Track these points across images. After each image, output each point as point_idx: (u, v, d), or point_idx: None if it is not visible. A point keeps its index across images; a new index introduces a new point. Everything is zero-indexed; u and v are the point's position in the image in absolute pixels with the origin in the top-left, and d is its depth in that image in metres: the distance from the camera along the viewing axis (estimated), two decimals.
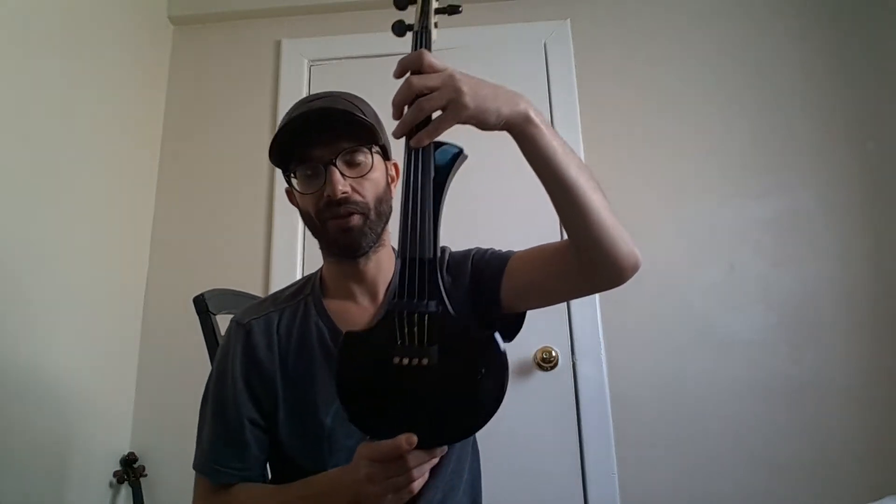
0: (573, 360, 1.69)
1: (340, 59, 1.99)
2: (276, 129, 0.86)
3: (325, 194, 0.82)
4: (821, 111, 1.82)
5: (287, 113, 0.90)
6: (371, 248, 0.87)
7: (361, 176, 0.84)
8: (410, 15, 0.79)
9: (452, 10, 0.79)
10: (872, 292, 1.68)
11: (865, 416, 1.61)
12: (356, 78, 1.92)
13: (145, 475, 1.65)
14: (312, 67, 2.00)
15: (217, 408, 0.88)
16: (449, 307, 0.66)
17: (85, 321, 1.56)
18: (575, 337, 1.70)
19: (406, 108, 0.67)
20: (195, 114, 2.01)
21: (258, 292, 1.70)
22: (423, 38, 0.74)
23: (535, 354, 1.67)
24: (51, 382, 1.43)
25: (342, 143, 0.84)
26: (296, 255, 1.82)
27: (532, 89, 1.90)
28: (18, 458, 1.31)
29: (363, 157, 0.85)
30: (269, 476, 0.97)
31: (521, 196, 1.80)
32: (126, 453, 1.66)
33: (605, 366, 1.68)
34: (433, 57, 0.67)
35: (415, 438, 0.63)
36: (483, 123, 0.68)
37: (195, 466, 0.87)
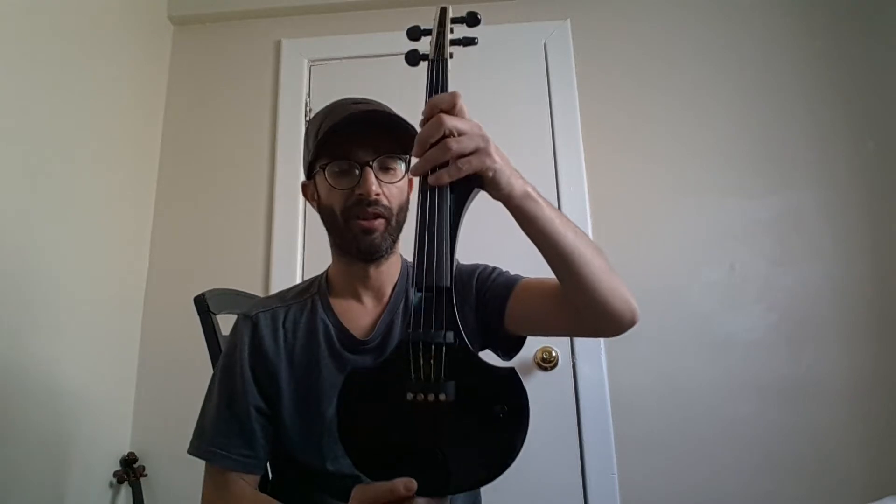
0: (573, 360, 1.69)
1: (340, 59, 1.99)
2: (319, 126, 0.87)
3: (357, 192, 0.84)
4: (821, 111, 1.82)
5: (327, 113, 0.89)
6: (387, 252, 0.88)
7: (393, 182, 0.87)
8: (423, 44, 0.79)
9: (468, 41, 0.78)
10: (872, 292, 1.68)
11: (865, 415, 1.61)
12: (356, 78, 1.93)
13: (145, 475, 1.65)
14: (312, 67, 2.00)
15: (224, 397, 0.89)
16: (466, 339, 0.63)
17: (85, 321, 1.56)
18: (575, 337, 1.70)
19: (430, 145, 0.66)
20: (195, 114, 2.00)
21: (258, 292, 1.70)
22: (440, 69, 0.73)
23: (535, 354, 1.67)
24: (51, 382, 1.43)
25: (382, 147, 0.85)
26: (296, 255, 1.82)
27: (532, 89, 1.90)
28: (18, 458, 1.31)
29: (396, 166, 0.88)
30: (270, 476, 0.97)
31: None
32: (126, 453, 1.66)
33: (605, 366, 1.68)
34: (463, 104, 0.68)
35: (414, 484, 0.59)
36: (495, 183, 0.67)
37: (198, 452, 0.87)
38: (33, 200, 1.40)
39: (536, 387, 1.67)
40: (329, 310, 0.92)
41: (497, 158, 0.66)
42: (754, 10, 1.93)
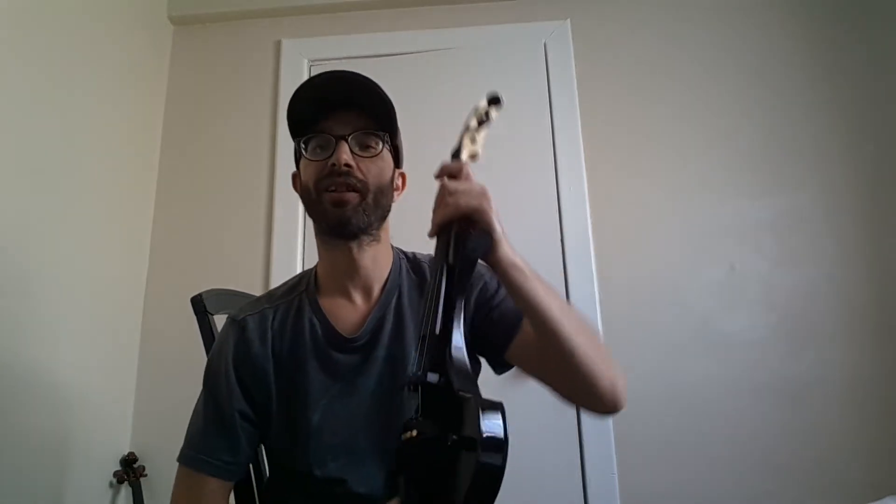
0: None
1: (340, 59, 1.99)
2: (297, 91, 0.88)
3: (330, 163, 0.84)
4: (821, 112, 1.82)
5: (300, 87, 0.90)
6: (362, 230, 0.86)
7: (369, 157, 0.86)
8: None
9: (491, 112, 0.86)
10: (872, 292, 1.68)
11: (865, 415, 1.61)
12: None
13: (145, 475, 1.65)
14: (312, 67, 2.00)
15: (209, 401, 0.88)
16: (454, 380, 0.63)
17: (85, 321, 1.56)
18: None
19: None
20: (195, 114, 2.00)
21: (258, 292, 1.68)
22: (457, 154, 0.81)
23: None
24: (51, 382, 1.43)
25: (359, 123, 0.86)
26: (296, 255, 1.82)
27: (532, 89, 1.90)
28: (18, 458, 1.31)
29: (375, 143, 0.87)
30: (265, 480, 0.97)
31: (521, 190, 1.80)
32: (126, 453, 1.66)
33: None
34: (470, 171, 0.76)
35: None
36: (485, 223, 0.72)
37: (184, 460, 0.86)
38: (33, 200, 1.40)
39: (536, 387, 1.66)
40: (316, 308, 0.91)
41: (491, 211, 0.71)
42: (754, 10, 1.92)
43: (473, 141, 0.82)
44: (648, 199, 1.80)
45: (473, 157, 0.81)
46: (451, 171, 0.75)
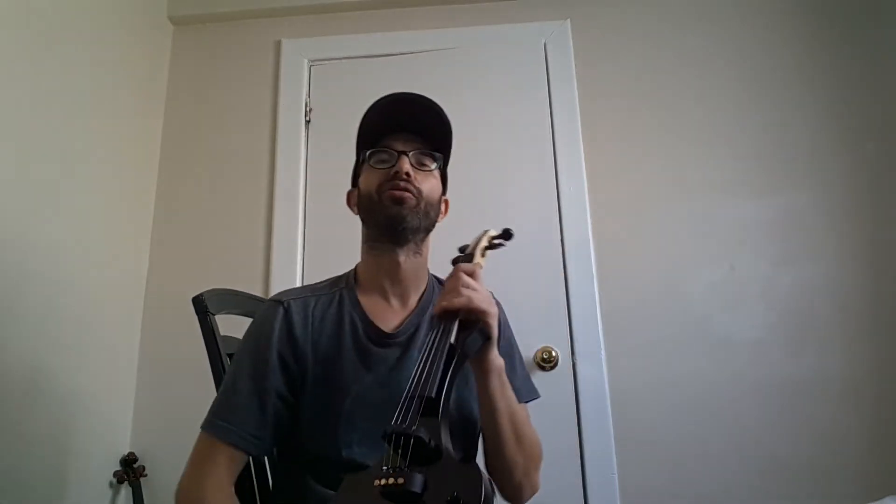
0: (573, 360, 1.68)
1: (340, 59, 1.99)
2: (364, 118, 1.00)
3: (393, 171, 0.93)
4: (820, 112, 1.82)
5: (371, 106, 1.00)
6: (413, 232, 0.94)
7: (424, 172, 0.97)
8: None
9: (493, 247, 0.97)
10: (872, 292, 1.68)
11: (865, 415, 1.61)
12: (356, 78, 1.93)
13: (145, 475, 1.65)
14: (312, 67, 2.00)
15: (244, 376, 0.90)
16: (445, 442, 0.68)
17: (85, 321, 1.56)
18: (575, 337, 1.70)
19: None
20: (195, 114, 2.00)
21: (258, 292, 1.70)
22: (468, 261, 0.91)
23: (535, 354, 1.67)
24: (51, 382, 1.43)
25: (419, 143, 0.97)
26: (296, 256, 1.82)
27: (532, 89, 1.90)
28: (19, 458, 1.31)
29: (430, 162, 0.98)
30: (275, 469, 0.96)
31: (521, 190, 1.80)
32: (126, 453, 1.66)
33: (605, 366, 1.68)
34: (480, 275, 0.87)
35: None
36: (489, 331, 0.82)
37: (204, 425, 0.87)
38: (33, 200, 1.41)
39: (536, 387, 1.67)
40: (356, 304, 0.96)
41: (494, 324, 0.82)
42: (754, 10, 1.92)
43: (483, 255, 0.94)
44: (648, 199, 1.80)
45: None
46: (469, 270, 0.85)
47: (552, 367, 1.67)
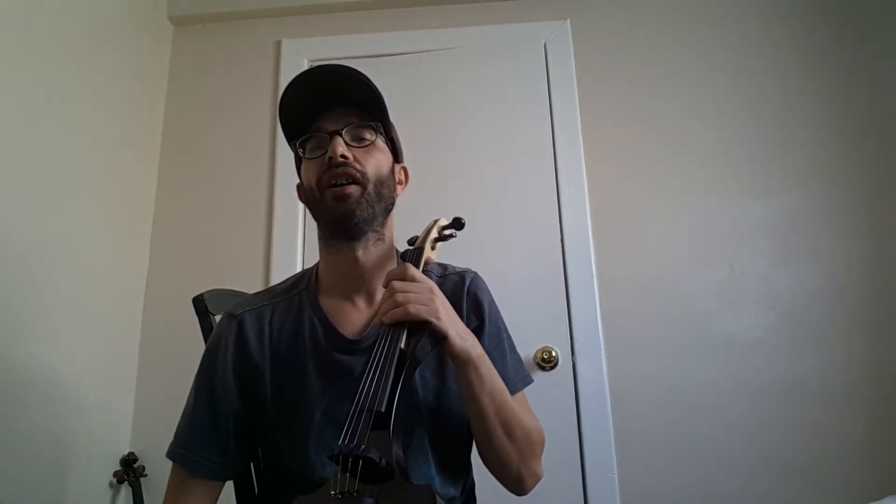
0: (573, 360, 1.68)
1: (340, 59, 1.96)
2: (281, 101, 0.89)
3: (327, 157, 0.84)
4: (821, 111, 1.82)
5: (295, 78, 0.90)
6: (367, 223, 0.85)
7: (363, 147, 0.87)
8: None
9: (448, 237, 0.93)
10: (872, 292, 1.68)
11: (865, 416, 1.61)
12: None
13: (145, 475, 1.65)
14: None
15: (201, 398, 0.87)
16: (397, 457, 0.66)
17: (85, 321, 1.56)
18: (575, 337, 1.70)
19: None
20: (195, 114, 2.01)
21: None
22: (415, 256, 0.86)
23: (535, 354, 1.67)
24: (51, 382, 1.43)
25: (351, 117, 0.87)
26: (296, 256, 1.82)
27: (532, 89, 1.90)
28: (18, 458, 1.31)
29: (369, 134, 0.88)
30: (255, 487, 0.95)
31: (521, 190, 1.80)
32: (126, 453, 1.66)
33: (605, 366, 1.68)
34: (416, 272, 0.79)
35: None
36: (438, 332, 0.75)
37: (170, 454, 0.85)
38: (33, 200, 1.40)
39: (536, 386, 1.66)
40: (317, 308, 0.89)
41: (441, 310, 0.75)
42: (754, 10, 1.92)
43: (433, 248, 0.89)
44: (648, 199, 1.80)
45: (427, 263, 0.88)
46: (399, 275, 0.78)
47: (552, 367, 1.67)
